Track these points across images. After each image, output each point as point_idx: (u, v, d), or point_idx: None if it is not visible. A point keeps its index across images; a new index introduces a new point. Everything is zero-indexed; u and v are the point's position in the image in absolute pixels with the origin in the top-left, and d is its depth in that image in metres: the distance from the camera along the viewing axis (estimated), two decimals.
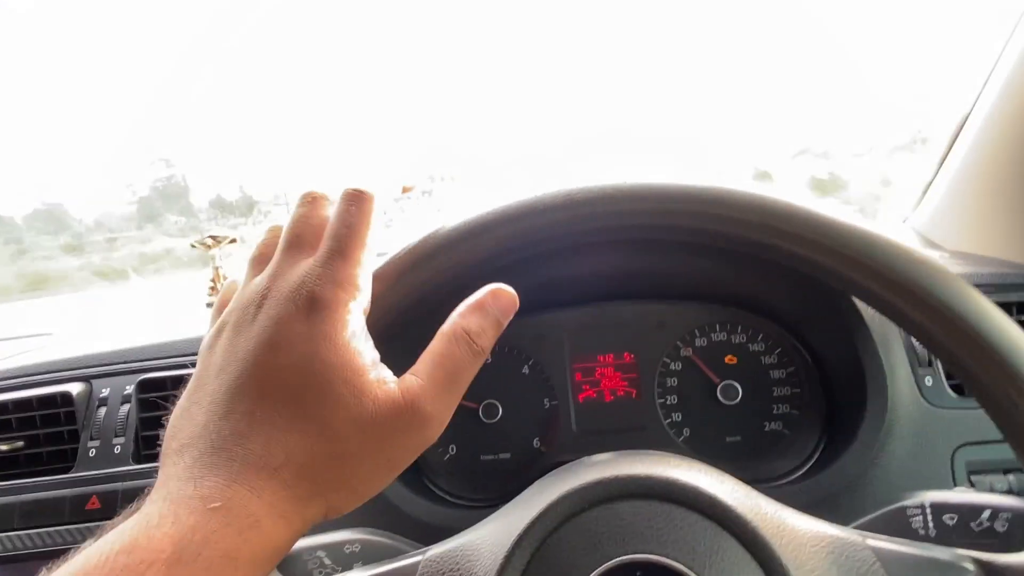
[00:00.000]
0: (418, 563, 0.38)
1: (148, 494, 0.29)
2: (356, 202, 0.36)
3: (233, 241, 1.01)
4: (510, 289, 0.37)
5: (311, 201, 0.38)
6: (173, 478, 0.29)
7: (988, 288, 0.69)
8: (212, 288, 1.00)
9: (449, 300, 0.40)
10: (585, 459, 0.43)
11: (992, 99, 0.78)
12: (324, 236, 0.35)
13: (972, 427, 0.60)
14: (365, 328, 0.33)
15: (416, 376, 0.33)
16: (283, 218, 0.38)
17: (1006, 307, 0.66)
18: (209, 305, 0.99)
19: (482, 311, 0.36)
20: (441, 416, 0.33)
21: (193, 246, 1.01)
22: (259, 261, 0.37)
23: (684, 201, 0.42)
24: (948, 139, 0.86)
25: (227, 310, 0.34)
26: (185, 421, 0.31)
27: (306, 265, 0.33)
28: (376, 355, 0.33)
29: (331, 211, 0.37)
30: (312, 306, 0.31)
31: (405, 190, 0.44)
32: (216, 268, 1.00)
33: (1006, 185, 0.76)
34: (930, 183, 0.91)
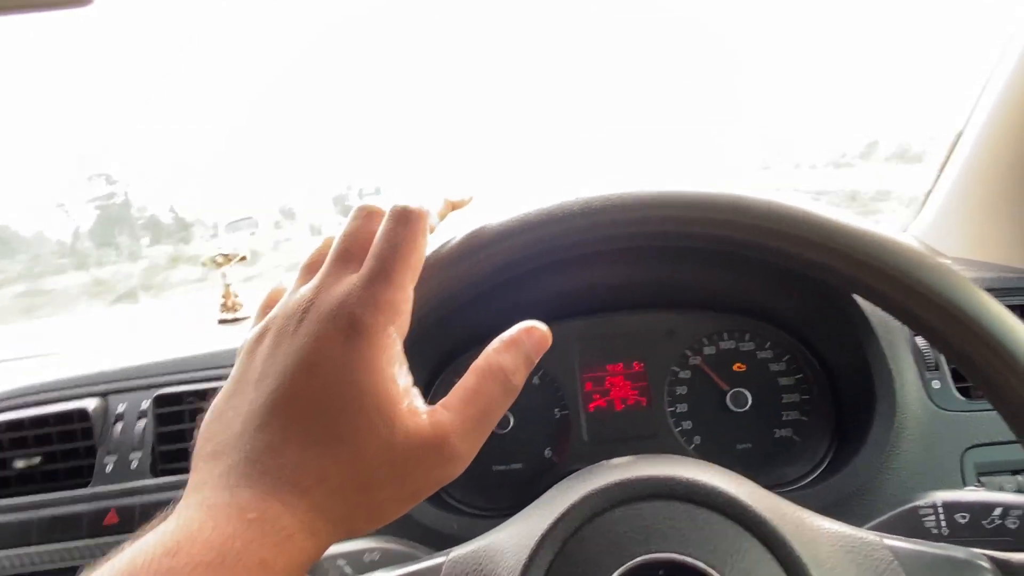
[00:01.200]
0: (442, 564, 0.38)
1: (179, 500, 0.30)
2: (403, 221, 0.36)
3: (243, 259, 1.02)
4: (543, 326, 0.37)
5: (365, 215, 0.37)
6: (208, 485, 0.29)
7: (991, 292, 0.70)
8: (223, 305, 1.01)
9: (461, 311, 0.40)
10: (605, 462, 0.44)
11: (990, 106, 0.80)
12: (369, 255, 0.35)
13: (980, 429, 0.60)
14: (402, 353, 0.33)
15: (448, 410, 0.33)
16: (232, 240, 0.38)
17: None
18: (222, 322, 1.00)
19: (516, 348, 0.36)
20: (469, 453, 0.33)
21: (204, 264, 1.02)
22: (309, 269, 0.37)
23: (704, 209, 0.42)
24: (947, 147, 0.88)
25: (271, 315, 0.35)
26: (221, 426, 0.32)
27: (349, 283, 0.33)
28: (410, 381, 0.33)
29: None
30: (351, 328, 0.31)
31: (456, 206, 0.43)
32: (227, 285, 1.01)
33: (1006, 191, 0.77)
34: (930, 191, 0.92)
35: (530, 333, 0.36)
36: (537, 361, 0.36)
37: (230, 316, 1.00)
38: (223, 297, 1.01)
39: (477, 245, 0.43)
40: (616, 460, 0.44)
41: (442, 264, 0.43)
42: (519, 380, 0.35)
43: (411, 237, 0.35)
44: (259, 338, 0.34)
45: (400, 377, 0.33)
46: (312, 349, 0.31)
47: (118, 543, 0.28)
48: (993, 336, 0.37)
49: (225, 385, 0.34)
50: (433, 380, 0.76)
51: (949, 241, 0.87)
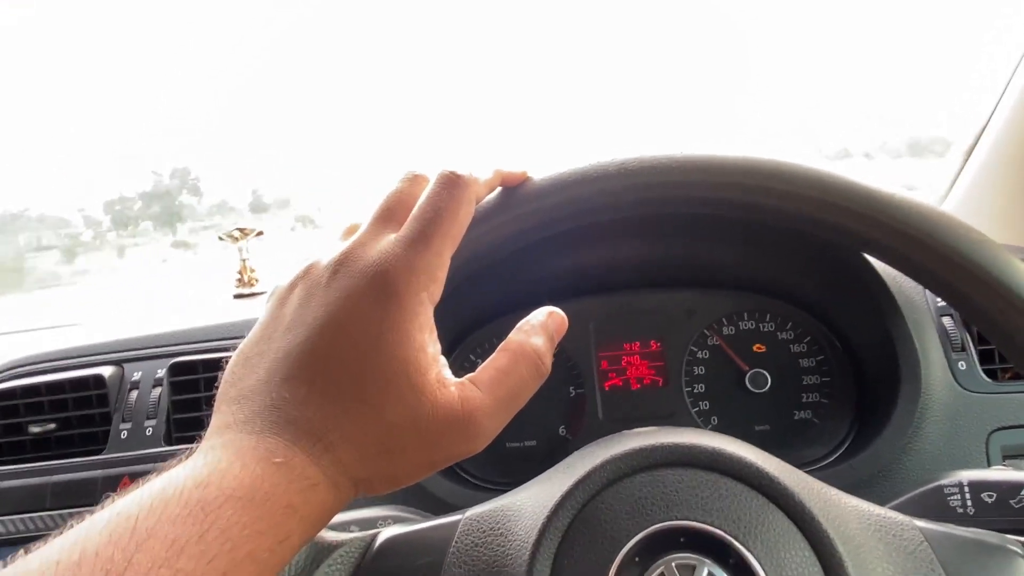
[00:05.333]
0: (458, 521, 0.38)
1: (199, 443, 0.29)
2: (449, 186, 0.35)
3: (260, 234, 1.02)
4: (561, 312, 0.38)
5: (411, 179, 0.37)
6: (233, 428, 0.29)
7: None
8: (240, 280, 1.01)
9: (480, 282, 0.39)
10: (626, 432, 0.43)
11: (1017, 94, 0.78)
12: (410, 216, 0.34)
13: (1007, 411, 0.59)
14: (432, 320, 0.33)
15: (478, 387, 0.33)
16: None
17: None
18: (238, 296, 1.00)
19: (546, 332, 0.36)
20: (493, 432, 0.33)
21: (220, 238, 1.03)
22: (350, 231, 0.36)
23: (739, 174, 0.42)
24: (974, 133, 0.86)
25: (307, 265, 0.34)
26: (246, 370, 0.31)
27: (388, 242, 0.33)
28: (439, 349, 0.33)
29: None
30: (384, 288, 0.31)
31: (507, 179, 0.42)
32: (243, 260, 1.01)
33: None
34: (956, 177, 0.90)
35: (553, 317, 0.37)
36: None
37: (247, 291, 1.00)
38: (239, 272, 1.01)
39: (515, 201, 0.42)
40: (638, 429, 0.43)
41: (475, 220, 0.43)
42: (549, 363, 0.35)
43: (455, 204, 0.35)
44: (292, 286, 0.33)
45: (430, 345, 0.32)
46: (343, 306, 0.31)
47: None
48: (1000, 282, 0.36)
49: (253, 330, 0.34)
50: (450, 354, 0.76)
51: (977, 226, 0.85)
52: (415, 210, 0.34)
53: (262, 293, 1.00)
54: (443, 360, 0.33)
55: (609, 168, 0.42)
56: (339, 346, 0.30)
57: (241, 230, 1.01)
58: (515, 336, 0.36)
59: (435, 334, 0.33)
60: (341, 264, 0.32)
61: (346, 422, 0.29)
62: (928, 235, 0.38)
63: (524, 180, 0.42)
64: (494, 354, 0.35)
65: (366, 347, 0.30)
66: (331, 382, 0.30)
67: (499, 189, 0.42)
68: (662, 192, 0.43)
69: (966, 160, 0.88)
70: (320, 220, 1.57)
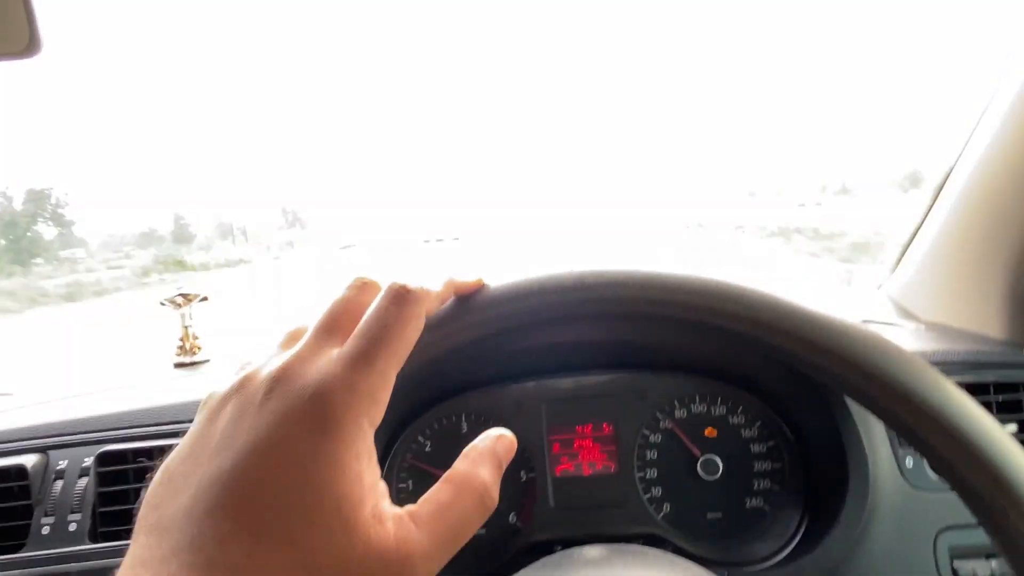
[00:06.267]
0: None
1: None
2: (398, 301, 0.33)
3: (205, 299, 0.99)
4: (509, 433, 0.35)
5: (360, 286, 0.35)
6: (148, 566, 0.27)
7: (964, 366, 0.69)
8: (181, 348, 0.97)
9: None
10: (576, 553, 0.42)
11: (969, 168, 0.79)
12: (356, 331, 0.32)
13: (954, 510, 0.59)
14: (372, 445, 0.30)
15: (417, 525, 0.30)
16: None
17: (982, 387, 0.66)
18: (179, 365, 0.96)
19: (495, 459, 0.33)
20: (430, 573, 0.30)
21: (162, 304, 0.99)
22: (294, 337, 0.34)
23: (703, 296, 0.42)
24: (924, 206, 0.87)
25: (243, 376, 0.32)
26: (168, 493, 0.29)
27: (328, 359, 0.31)
28: (377, 475, 0.31)
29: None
30: (322, 414, 0.29)
31: (460, 289, 0.41)
32: (185, 327, 0.97)
33: (983, 258, 0.77)
34: (906, 248, 0.92)
35: (502, 441, 0.34)
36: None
37: (187, 360, 0.96)
38: (180, 340, 0.97)
39: (469, 309, 0.41)
40: (588, 552, 0.42)
41: (428, 327, 0.41)
42: (496, 496, 0.32)
43: (403, 320, 0.32)
44: (225, 399, 0.31)
45: (367, 474, 0.30)
46: (275, 430, 0.28)
47: None
48: (963, 434, 0.36)
49: (181, 444, 0.31)
50: (396, 436, 0.74)
51: (924, 302, 0.86)
52: (361, 325, 0.32)
53: (204, 362, 0.96)
54: (382, 487, 0.31)
55: (566, 281, 0.42)
56: (268, 475, 0.28)
57: (184, 295, 0.97)
58: (460, 465, 0.33)
59: (375, 459, 0.31)
60: (277, 382, 0.30)
61: (271, 563, 0.27)
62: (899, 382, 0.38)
63: (479, 288, 0.40)
64: (436, 484, 0.32)
65: (297, 479, 0.28)
66: (257, 518, 0.27)
67: (458, 297, 0.40)
68: (621, 308, 0.42)
69: (917, 229, 0.89)
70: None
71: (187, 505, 0.28)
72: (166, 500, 0.29)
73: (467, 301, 0.40)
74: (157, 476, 0.30)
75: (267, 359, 0.32)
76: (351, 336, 0.32)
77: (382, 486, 0.31)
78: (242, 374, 0.32)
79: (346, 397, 0.29)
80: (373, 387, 0.30)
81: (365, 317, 0.32)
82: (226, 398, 0.31)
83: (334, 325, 0.33)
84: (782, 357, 0.42)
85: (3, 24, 0.44)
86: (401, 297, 0.33)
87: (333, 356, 0.31)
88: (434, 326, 0.40)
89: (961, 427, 0.37)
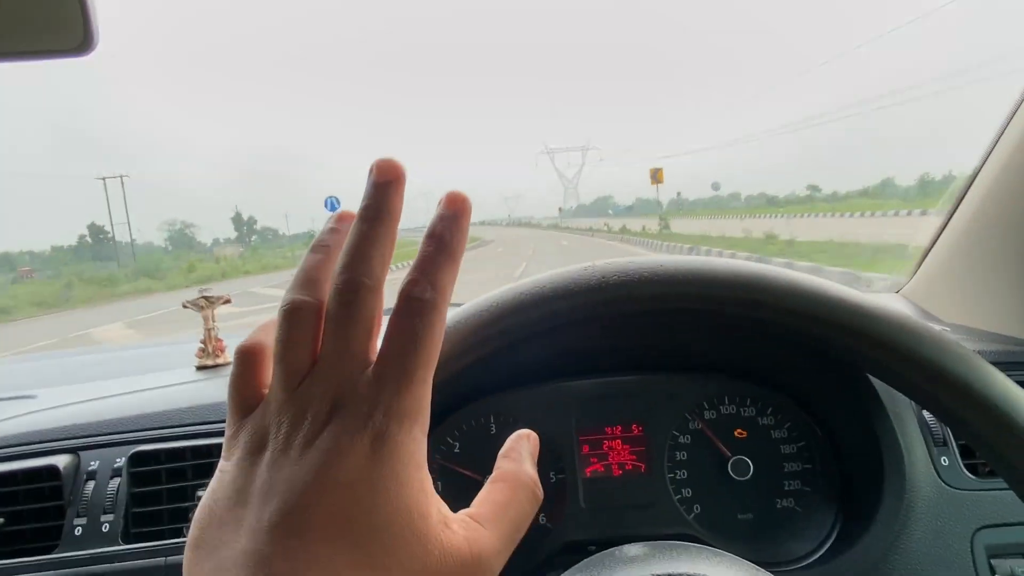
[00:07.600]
0: None
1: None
2: (421, 314, 0.31)
3: (227, 301, 0.99)
4: (534, 433, 0.38)
5: (320, 246, 0.34)
6: None
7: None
8: (202, 351, 0.97)
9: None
10: (617, 552, 0.42)
11: (995, 170, 0.79)
12: (385, 352, 0.31)
13: (991, 509, 0.59)
14: (425, 453, 0.31)
15: (482, 525, 0.31)
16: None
17: None
18: (201, 367, 0.96)
19: (532, 457, 0.36)
20: (498, 570, 0.31)
21: (185, 306, 0.99)
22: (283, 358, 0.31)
23: (727, 287, 0.42)
24: (947, 209, 0.87)
25: (271, 412, 0.31)
26: (223, 537, 0.28)
27: (366, 383, 0.30)
28: (431, 481, 0.31)
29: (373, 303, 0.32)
30: (378, 441, 0.29)
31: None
32: (208, 330, 0.98)
33: (1007, 258, 0.77)
34: (927, 252, 0.92)
35: (532, 440, 0.37)
36: None
37: (211, 362, 0.96)
38: (202, 342, 0.97)
39: (490, 319, 0.41)
40: (629, 550, 0.42)
41: (455, 338, 0.42)
42: (542, 489, 0.35)
43: (428, 325, 0.31)
44: (259, 445, 0.30)
45: (427, 481, 0.30)
46: (334, 464, 0.28)
47: None
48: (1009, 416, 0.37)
49: (222, 489, 0.30)
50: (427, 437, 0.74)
51: (947, 305, 0.87)
52: (392, 345, 0.31)
53: (227, 364, 0.96)
54: (439, 497, 0.31)
55: (591, 281, 0.43)
56: (335, 508, 0.28)
57: (207, 298, 0.98)
58: (506, 465, 0.35)
59: (427, 465, 0.31)
60: (324, 424, 0.29)
61: None
62: (932, 360, 0.39)
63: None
64: (488, 485, 0.34)
65: (365, 504, 0.28)
66: (332, 549, 0.27)
67: (481, 307, 0.41)
68: (646, 305, 0.43)
69: (939, 234, 0.90)
70: None
71: (249, 548, 0.27)
72: (221, 544, 0.28)
73: (491, 310, 0.41)
74: (204, 518, 0.30)
75: (290, 393, 0.31)
76: (388, 358, 0.31)
77: (438, 496, 0.31)
78: (269, 412, 0.31)
79: (396, 418, 0.29)
80: (417, 397, 0.30)
81: (391, 337, 0.31)
82: (261, 437, 0.30)
83: (347, 344, 0.31)
84: (812, 342, 0.43)
85: (57, 21, 0.44)
86: (419, 310, 0.31)
87: (371, 381, 0.30)
88: (459, 338, 0.40)
89: (1005, 408, 0.37)
